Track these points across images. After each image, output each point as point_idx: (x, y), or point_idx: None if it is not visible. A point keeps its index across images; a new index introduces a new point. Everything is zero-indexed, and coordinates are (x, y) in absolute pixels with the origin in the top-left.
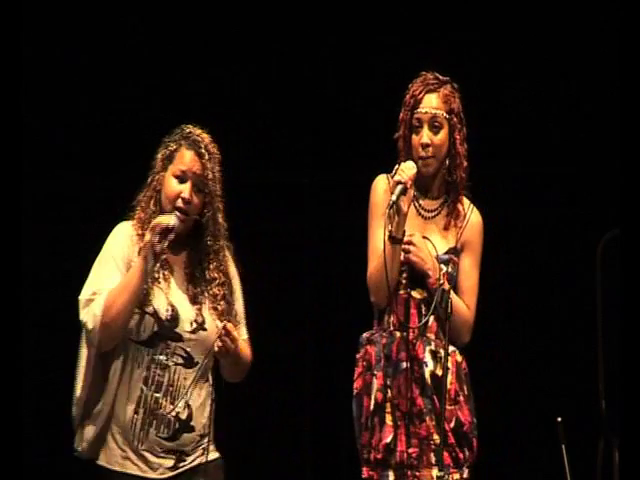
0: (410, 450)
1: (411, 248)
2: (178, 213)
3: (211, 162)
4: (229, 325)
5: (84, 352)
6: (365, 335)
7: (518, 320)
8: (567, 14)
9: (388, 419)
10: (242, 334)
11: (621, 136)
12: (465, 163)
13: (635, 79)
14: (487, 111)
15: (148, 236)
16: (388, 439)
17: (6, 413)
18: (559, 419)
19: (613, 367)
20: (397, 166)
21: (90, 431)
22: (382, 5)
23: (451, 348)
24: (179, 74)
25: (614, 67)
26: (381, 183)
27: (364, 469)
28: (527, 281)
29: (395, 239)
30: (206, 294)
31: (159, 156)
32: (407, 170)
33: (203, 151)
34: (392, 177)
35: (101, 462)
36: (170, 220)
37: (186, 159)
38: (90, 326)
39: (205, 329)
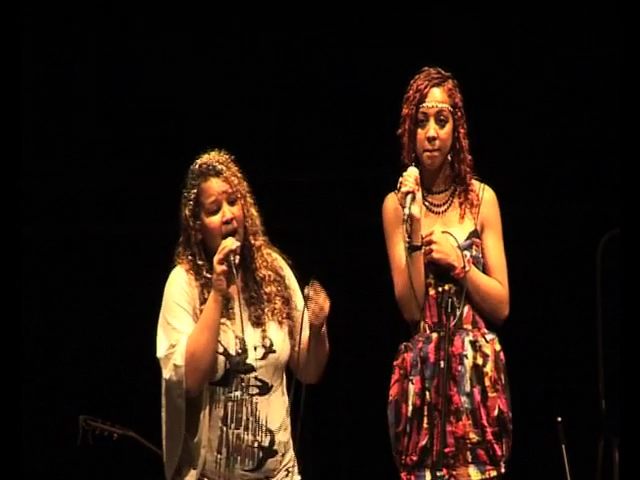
0: (446, 450)
1: (432, 247)
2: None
3: (229, 170)
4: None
5: (176, 405)
6: (404, 343)
7: (517, 320)
8: (566, 14)
9: (425, 422)
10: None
11: (621, 136)
12: (469, 157)
13: (636, 78)
14: (487, 109)
15: (219, 268)
16: (424, 441)
17: (6, 412)
18: (559, 419)
19: (613, 367)
20: (400, 178)
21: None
22: (379, 6)
23: (490, 336)
24: (178, 74)
25: (615, 66)
26: (390, 201)
27: (402, 474)
28: (526, 280)
29: (415, 247)
30: (267, 312)
31: (187, 212)
32: (410, 177)
33: (219, 167)
34: (398, 190)
35: None
36: (232, 244)
37: (212, 190)
38: (175, 379)
39: (274, 351)
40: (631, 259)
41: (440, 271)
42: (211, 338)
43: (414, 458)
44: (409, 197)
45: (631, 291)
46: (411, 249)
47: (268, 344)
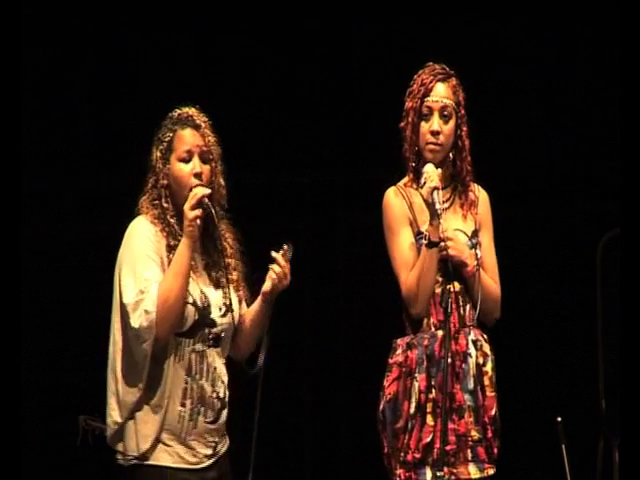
0: (447, 447)
1: (449, 243)
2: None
3: (208, 130)
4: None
5: (140, 352)
6: (401, 341)
7: (518, 320)
8: (567, 13)
9: (429, 419)
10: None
11: (621, 136)
12: (469, 157)
13: (636, 78)
14: (487, 109)
15: (191, 213)
16: (428, 439)
17: (6, 412)
18: (559, 419)
19: (613, 367)
20: (425, 174)
21: (148, 432)
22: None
23: (486, 336)
24: (176, 73)
25: (615, 66)
26: (393, 196)
27: (400, 471)
28: (526, 281)
29: (433, 243)
30: (224, 278)
31: (157, 154)
32: (434, 174)
33: (198, 122)
34: (421, 186)
35: (152, 462)
36: (204, 190)
37: (187, 138)
38: (145, 324)
39: (233, 310)
40: (631, 259)
41: (448, 269)
42: (184, 284)
43: (417, 455)
44: (435, 193)
45: (631, 291)
46: (430, 245)
47: (228, 303)
